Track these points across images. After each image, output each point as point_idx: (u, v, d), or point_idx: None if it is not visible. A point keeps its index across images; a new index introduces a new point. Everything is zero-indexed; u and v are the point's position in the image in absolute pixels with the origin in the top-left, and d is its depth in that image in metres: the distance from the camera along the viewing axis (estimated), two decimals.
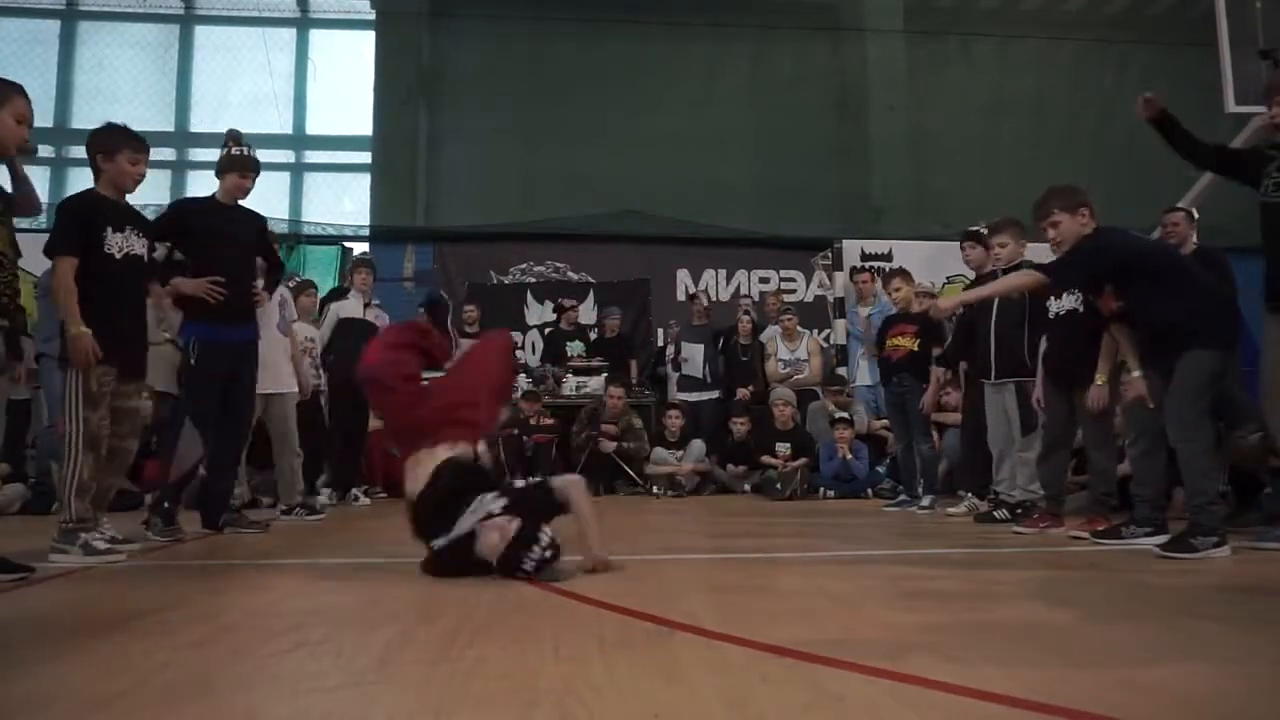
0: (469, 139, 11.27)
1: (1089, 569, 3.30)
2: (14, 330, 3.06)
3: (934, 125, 11.26)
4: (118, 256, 3.68)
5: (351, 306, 6.72)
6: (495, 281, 10.03)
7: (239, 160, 4.60)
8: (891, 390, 6.14)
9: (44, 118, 11.21)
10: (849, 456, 7.25)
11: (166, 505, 4.43)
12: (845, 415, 7.45)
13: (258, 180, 4.72)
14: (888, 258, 9.39)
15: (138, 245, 3.79)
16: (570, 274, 10.14)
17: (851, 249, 9.54)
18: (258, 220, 4.83)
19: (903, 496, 6.14)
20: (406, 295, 9.60)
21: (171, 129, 11.55)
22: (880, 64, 11.37)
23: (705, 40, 11.39)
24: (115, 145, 3.75)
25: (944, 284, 8.75)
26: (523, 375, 8.47)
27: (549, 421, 7.85)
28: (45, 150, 11.36)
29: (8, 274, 2.94)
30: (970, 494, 5.57)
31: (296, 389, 5.52)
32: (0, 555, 3.01)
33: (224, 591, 2.93)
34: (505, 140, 11.11)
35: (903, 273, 6.32)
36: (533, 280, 10.09)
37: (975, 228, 5.70)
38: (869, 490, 7.23)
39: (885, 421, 7.29)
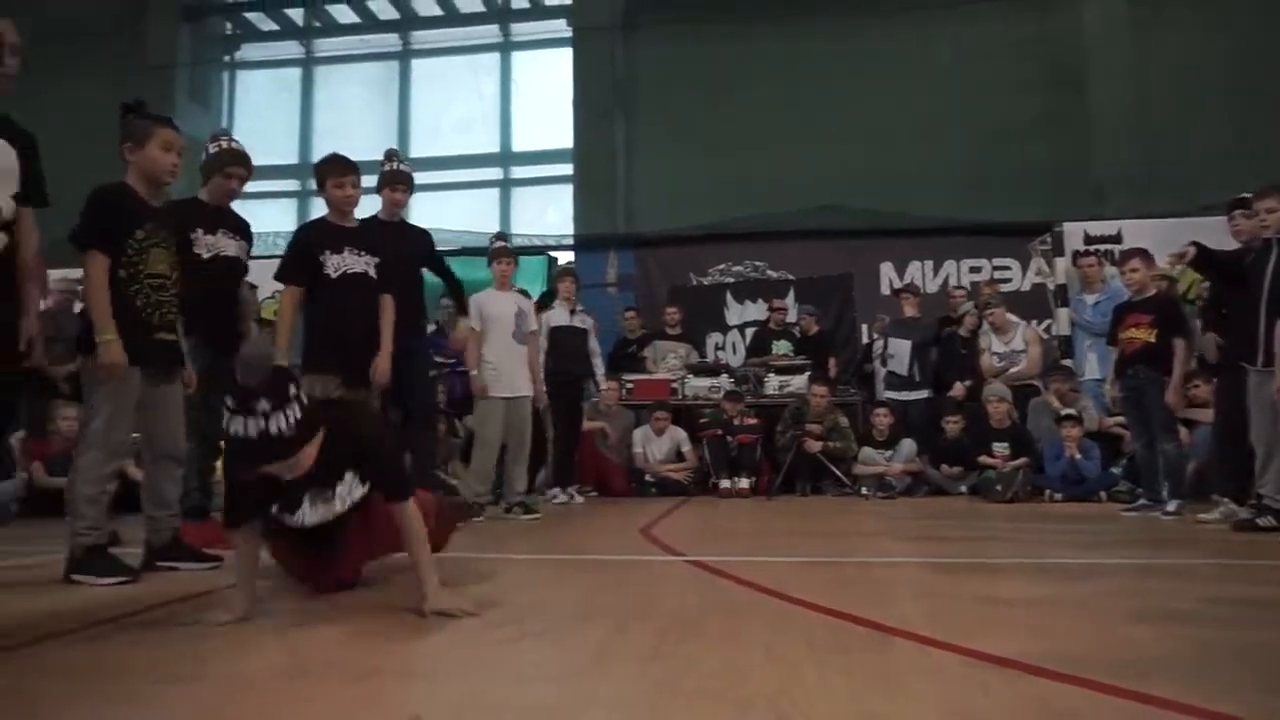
0: (665, 145, 11.46)
1: None
2: (176, 343, 3.37)
3: (1161, 90, 10.17)
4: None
5: (558, 315, 7.01)
6: (695, 283, 10.14)
7: (390, 175, 4.98)
8: (1127, 384, 5.63)
9: (289, 155, 12.65)
10: (1077, 456, 6.73)
11: None
12: (1072, 412, 6.92)
13: (412, 194, 5.06)
14: (1116, 239, 8.61)
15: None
16: (770, 272, 10.09)
17: (1073, 232, 8.81)
18: (426, 238, 5.14)
19: (1142, 500, 5.60)
20: (611, 300, 9.93)
21: None
22: (1098, 25, 10.46)
23: (904, 25, 10.92)
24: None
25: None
26: (725, 375, 8.52)
27: (752, 421, 7.83)
28: (290, 184, 12.90)
29: (170, 293, 3.25)
30: (1227, 498, 5.01)
31: (531, 393, 5.77)
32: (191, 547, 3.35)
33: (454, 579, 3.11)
34: (700, 143, 11.19)
35: (1141, 253, 5.74)
36: (731, 280, 10.12)
37: (1245, 194, 5.11)
38: (1102, 493, 6.68)
39: (1119, 419, 6.70)
